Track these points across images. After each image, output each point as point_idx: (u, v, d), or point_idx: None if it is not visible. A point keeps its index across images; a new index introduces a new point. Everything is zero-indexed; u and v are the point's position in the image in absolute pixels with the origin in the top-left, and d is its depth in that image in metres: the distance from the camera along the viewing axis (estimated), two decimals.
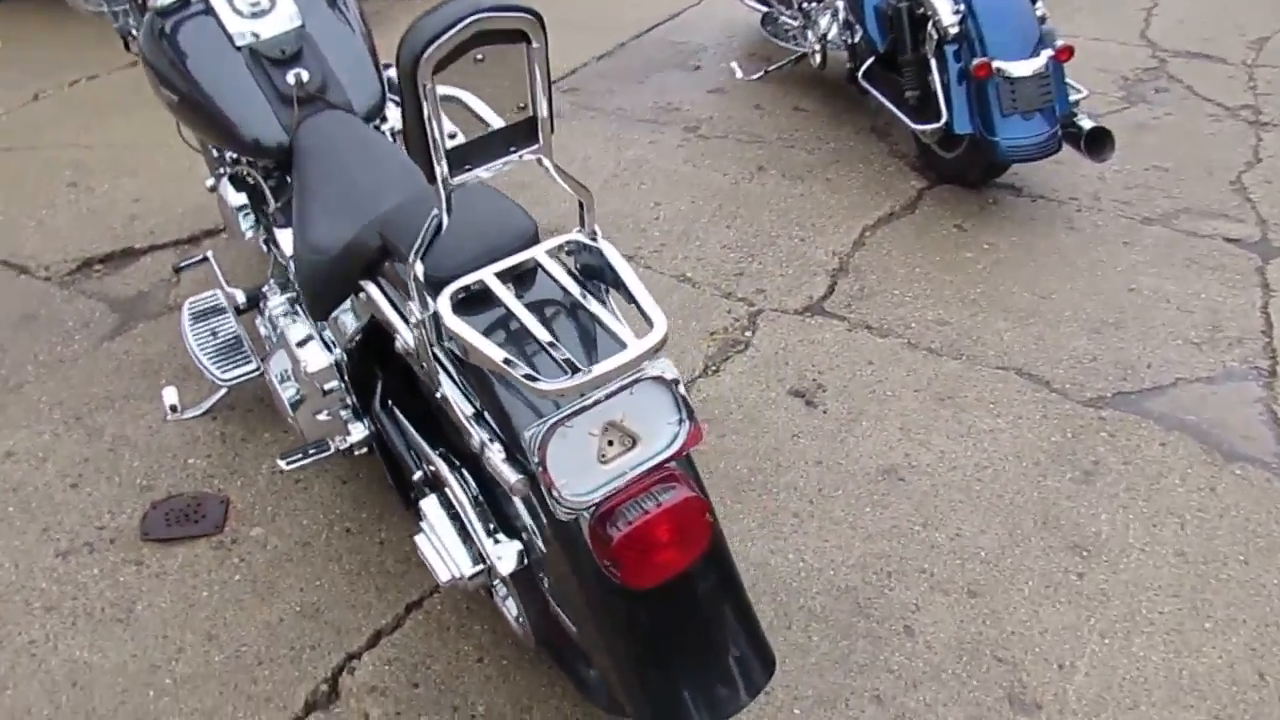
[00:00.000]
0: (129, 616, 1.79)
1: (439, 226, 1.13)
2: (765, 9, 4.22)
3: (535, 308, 1.17)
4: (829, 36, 3.70)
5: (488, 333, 1.14)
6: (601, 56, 4.43)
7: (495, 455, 1.18)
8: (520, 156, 1.12)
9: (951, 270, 2.86)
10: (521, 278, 1.24)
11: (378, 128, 1.93)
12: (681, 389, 1.17)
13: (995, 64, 2.83)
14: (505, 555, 1.34)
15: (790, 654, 1.75)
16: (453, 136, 1.20)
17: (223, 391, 2.14)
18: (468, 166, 1.09)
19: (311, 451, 1.78)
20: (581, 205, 1.22)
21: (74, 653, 1.72)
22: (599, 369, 1.04)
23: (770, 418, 2.30)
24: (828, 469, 2.15)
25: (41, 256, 2.89)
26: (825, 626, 1.81)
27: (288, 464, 1.76)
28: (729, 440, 2.22)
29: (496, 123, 2.00)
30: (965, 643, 1.77)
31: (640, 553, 1.11)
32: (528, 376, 1.05)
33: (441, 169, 1.06)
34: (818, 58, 3.78)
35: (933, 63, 3.06)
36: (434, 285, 1.19)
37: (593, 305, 1.17)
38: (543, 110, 1.08)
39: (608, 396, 1.10)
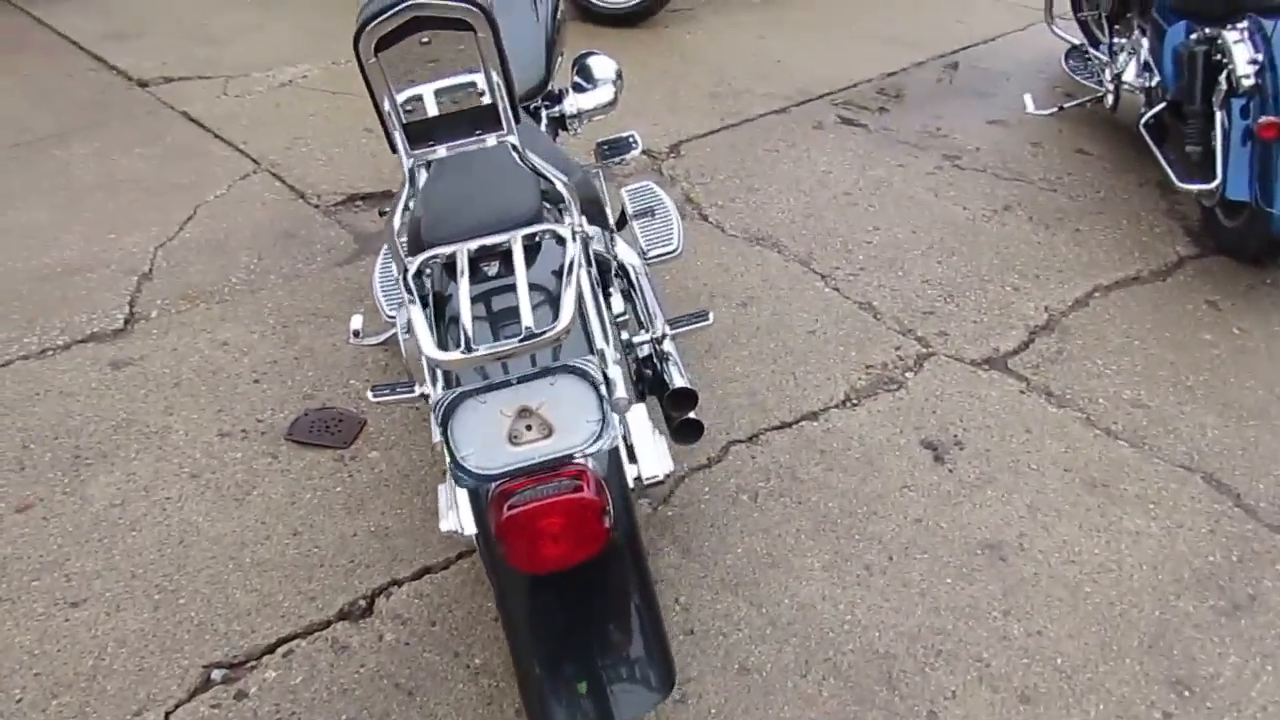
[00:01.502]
0: (245, 498, 2.07)
1: (414, 195, 1.21)
2: (1073, 42, 3.89)
3: (486, 287, 1.21)
4: (1126, 77, 3.35)
5: (440, 301, 1.20)
6: (892, 73, 4.31)
7: None
8: (484, 139, 1.17)
9: (1179, 350, 2.52)
10: (507, 255, 1.28)
11: (534, 109, 2.05)
12: (609, 390, 1.18)
13: None
14: None
15: (790, 702, 1.67)
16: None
17: (393, 330, 2.38)
18: (431, 143, 1.15)
19: (399, 390, 1.94)
20: (563, 198, 1.25)
21: (192, 516, 2.02)
22: (483, 350, 1.08)
23: (888, 463, 2.17)
24: (925, 529, 2.00)
25: (319, 186, 3.34)
26: (842, 686, 1.70)
27: (375, 396, 1.94)
28: (834, 475, 2.13)
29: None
30: None
31: (526, 538, 1.13)
32: (439, 344, 1.11)
33: (399, 141, 1.13)
34: (1110, 98, 3.44)
35: (1219, 116, 2.69)
36: (425, 248, 1.28)
37: (534, 295, 1.18)
38: (501, 98, 1.12)
39: (519, 381, 1.13)
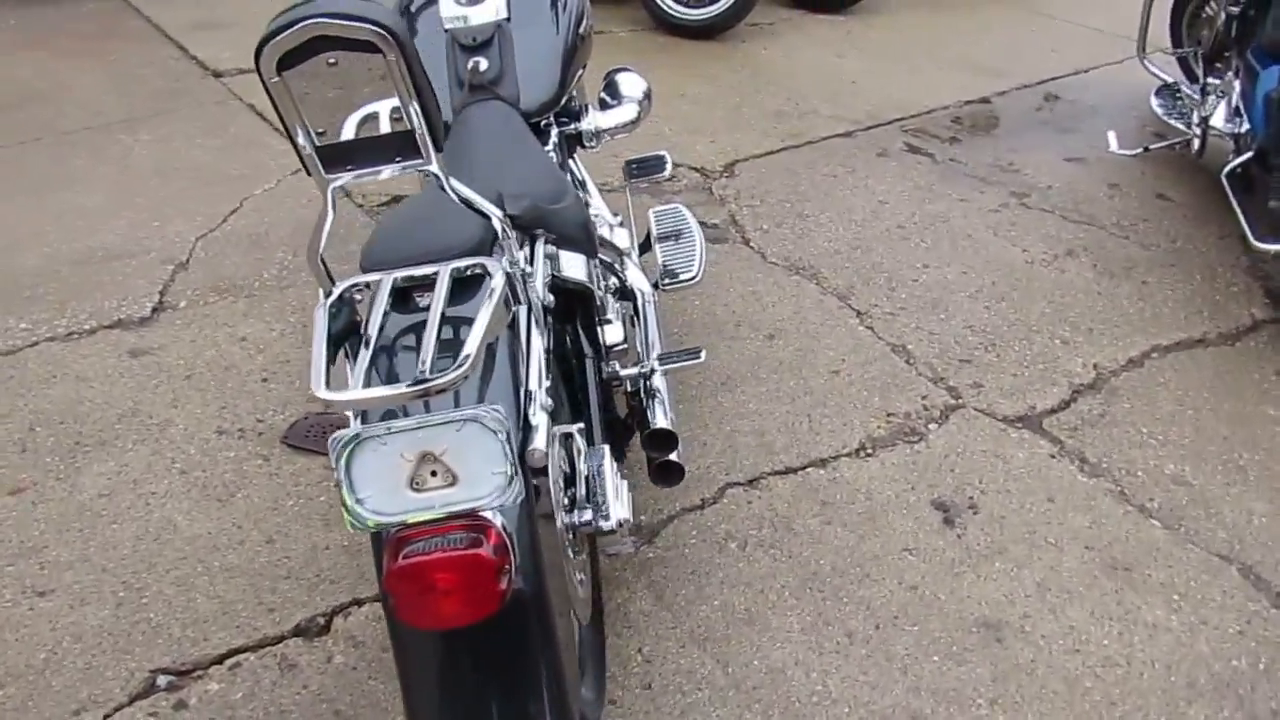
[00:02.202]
0: (229, 499, 2.06)
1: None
2: (1166, 79, 3.65)
3: (400, 323, 1.15)
4: (1214, 121, 3.13)
5: (349, 332, 1.14)
6: (971, 101, 4.13)
7: None
8: (403, 167, 1.10)
9: (1236, 424, 2.32)
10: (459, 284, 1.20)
11: (541, 125, 1.99)
12: (528, 440, 1.10)
13: None
14: None
15: None
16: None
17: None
18: (349, 167, 1.09)
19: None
20: (497, 233, 1.17)
21: (174, 514, 2.02)
22: (366, 393, 1.01)
23: (892, 522, 2.04)
24: (920, 598, 1.87)
25: (365, 187, 3.34)
26: None
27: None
28: (832, 530, 2.01)
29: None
30: None
31: (415, 592, 1.07)
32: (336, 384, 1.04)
33: (312, 165, 1.08)
34: (1196, 143, 3.21)
35: None
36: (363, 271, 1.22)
37: (445, 334, 1.11)
38: (418, 124, 1.06)
39: (419, 427, 1.06)
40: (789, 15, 5.14)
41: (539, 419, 1.17)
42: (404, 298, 1.20)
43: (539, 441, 1.14)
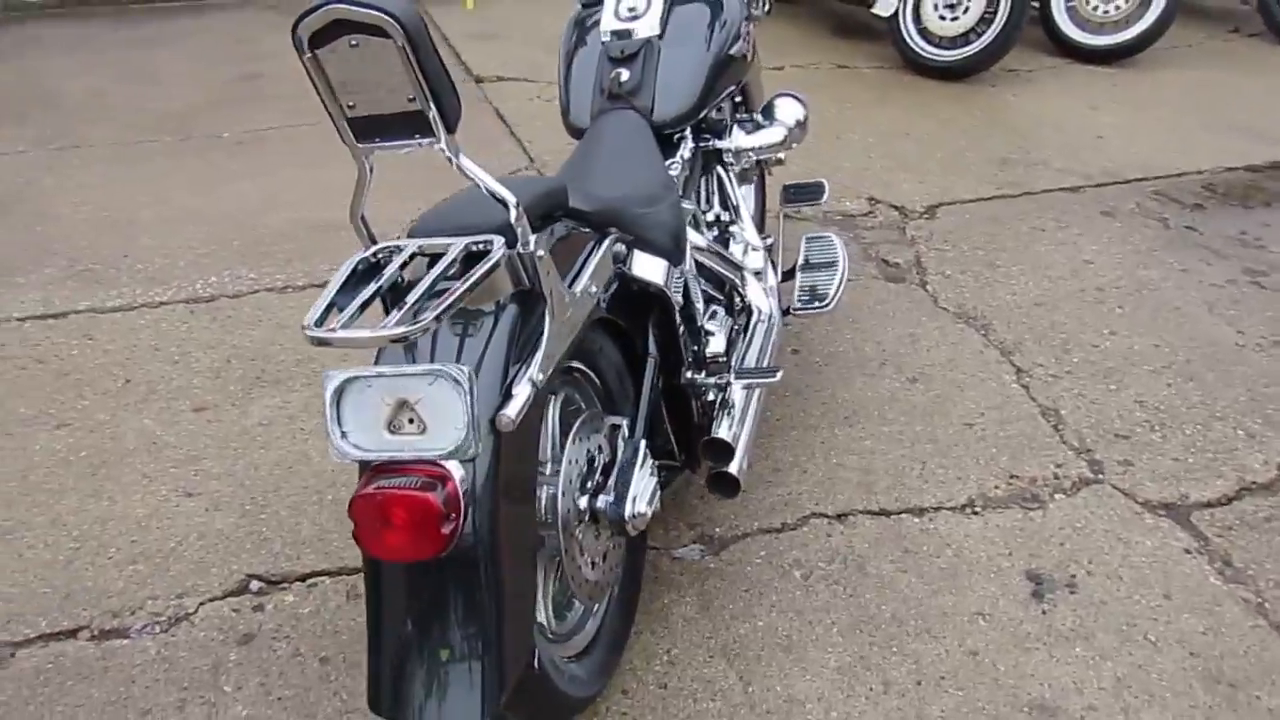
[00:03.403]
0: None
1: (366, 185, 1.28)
2: None
3: (402, 283, 1.25)
4: None
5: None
6: (1231, 168, 3.77)
7: None
8: (419, 144, 1.22)
9: None
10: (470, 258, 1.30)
11: (674, 138, 2.07)
12: (504, 405, 1.19)
13: None
14: None
15: None
16: None
17: None
18: (377, 139, 1.23)
19: None
20: (513, 212, 1.26)
21: (310, 449, 2.27)
22: (335, 333, 1.12)
23: (974, 583, 1.93)
24: (976, 665, 1.76)
25: None
26: None
27: None
28: (906, 579, 1.93)
29: None
30: None
31: (371, 521, 1.18)
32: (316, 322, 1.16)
33: (343, 134, 1.22)
34: None
35: None
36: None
37: (447, 295, 1.20)
38: (428, 105, 1.17)
39: (397, 375, 1.18)
40: (1054, 63, 4.89)
41: (521, 390, 1.25)
42: (428, 265, 1.32)
43: (510, 409, 1.22)
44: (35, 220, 3.34)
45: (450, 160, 1.23)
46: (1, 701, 1.69)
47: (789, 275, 2.48)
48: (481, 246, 1.27)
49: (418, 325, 1.11)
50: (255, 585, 1.91)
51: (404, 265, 1.27)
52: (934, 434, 2.33)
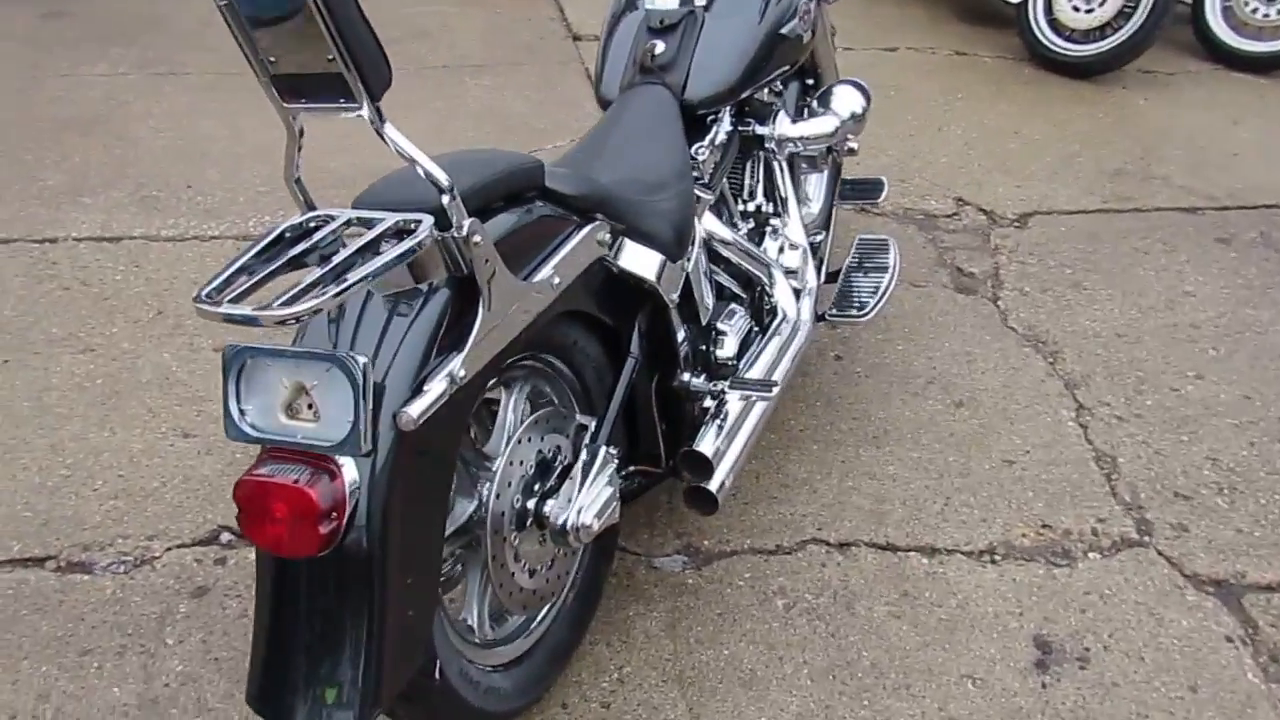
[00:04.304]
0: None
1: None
2: None
3: (323, 254, 1.16)
4: None
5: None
6: None
7: None
8: (338, 108, 1.12)
9: None
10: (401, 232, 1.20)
11: (707, 118, 1.92)
12: (410, 403, 1.10)
13: None
14: None
15: None
16: None
17: None
18: (303, 100, 1.13)
19: None
20: (445, 193, 1.15)
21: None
22: (217, 307, 1.03)
23: (972, 641, 1.75)
24: None
25: None
26: None
27: None
28: (896, 625, 1.76)
29: None
30: None
31: (253, 510, 1.10)
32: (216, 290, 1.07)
33: (269, 92, 1.13)
34: None
35: None
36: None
37: (350, 276, 1.10)
38: (347, 69, 1.06)
39: (295, 357, 1.10)
40: (1198, 68, 4.46)
41: (434, 387, 1.15)
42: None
43: (413, 406, 1.12)
44: (114, 142, 3.41)
45: (376, 128, 1.12)
46: None
47: (834, 277, 2.30)
48: (411, 226, 1.17)
49: (305, 307, 1.01)
50: (225, 537, 1.89)
51: (334, 237, 1.17)
52: (968, 467, 2.13)
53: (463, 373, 1.19)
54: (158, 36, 4.42)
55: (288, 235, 1.19)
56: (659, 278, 1.59)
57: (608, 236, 1.49)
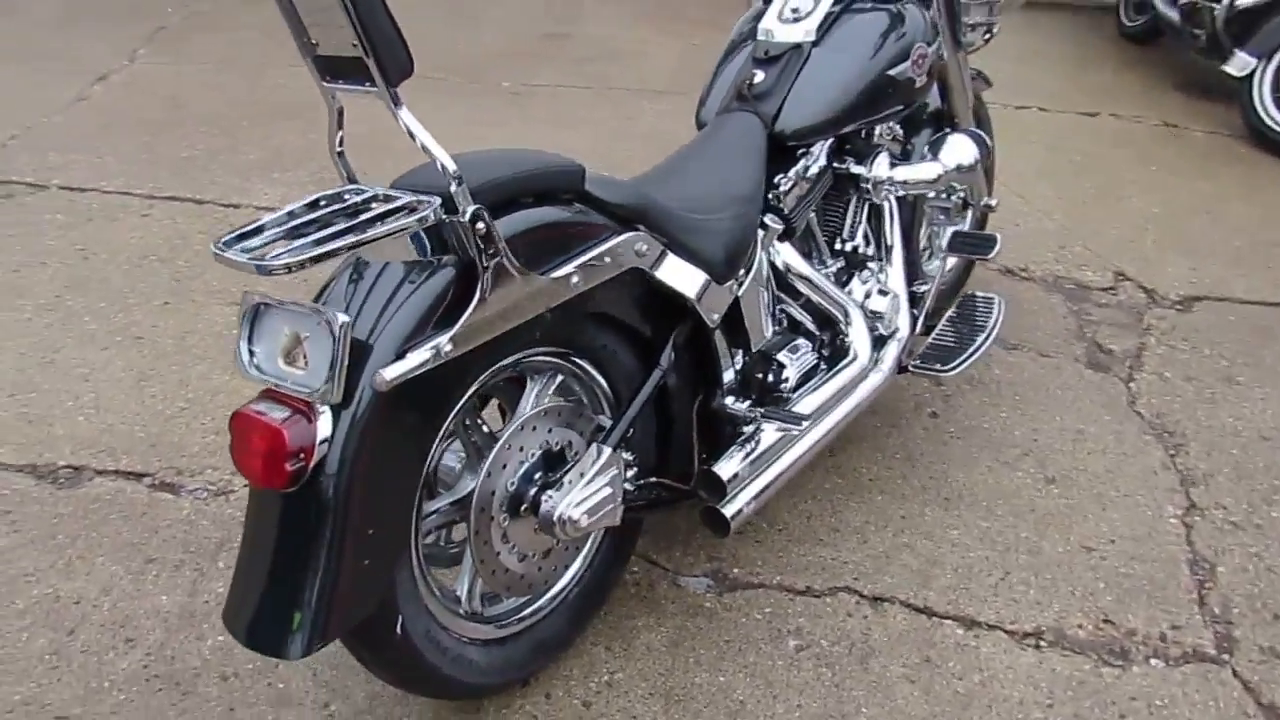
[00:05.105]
0: None
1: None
2: None
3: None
4: None
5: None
6: None
7: None
8: (363, 89, 1.21)
9: None
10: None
11: (800, 150, 1.91)
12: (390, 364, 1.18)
13: None
14: None
15: None
16: None
17: None
18: (340, 81, 1.24)
19: None
20: (452, 180, 1.23)
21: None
22: (232, 255, 1.14)
23: (1009, 692, 1.65)
24: None
25: None
26: None
27: None
28: (907, 690, 1.68)
29: None
30: None
31: (239, 440, 1.21)
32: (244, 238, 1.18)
33: (312, 72, 1.24)
34: None
35: None
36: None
37: (338, 241, 1.18)
38: (367, 53, 1.15)
39: (295, 310, 1.20)
40: None
41: (416, 355, 1.22)
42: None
43: (390, 370, 1.20)
44: (312, 129, 3.75)
45: (391, 109, 1.22)
46: (61, 513, 1.95)
47: (928, 329, 2.23)
48: (420, 205, 1.26)
49: (283, 262, 1.12)
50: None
51: (359, 208, 1.27)
52: (1039, 545, 2.01)
53: (449, 348, 1.25)
54: None
55: (322, 203, 1.30)
56: (699, 296, 1.61)
57: (646, 248, 1.52)
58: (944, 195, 2.34)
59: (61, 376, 2.35)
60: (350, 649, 1.40)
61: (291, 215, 1.26)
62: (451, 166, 1.22)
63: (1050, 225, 3.36)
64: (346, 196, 1.30)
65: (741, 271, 1.72)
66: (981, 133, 2.13)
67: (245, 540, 1.29)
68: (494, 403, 1.67)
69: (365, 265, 1.32)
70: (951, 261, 2.50)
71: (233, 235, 1.19)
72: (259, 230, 1.21)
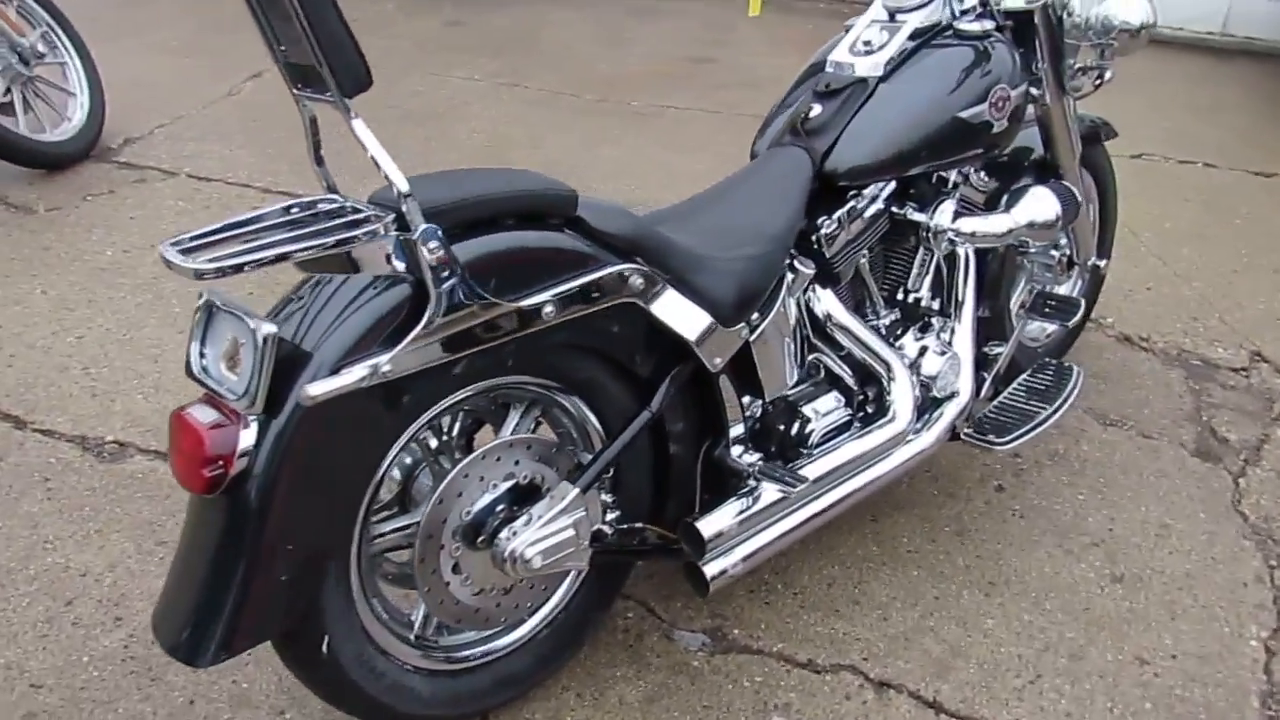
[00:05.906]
0: None
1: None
2: None
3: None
4: None
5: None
6: None
7: None
8: (325, 99, 1.19)
9: None
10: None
11: (847, 191, 1.79)
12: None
13: None
14: None
15: None
16: None
17: None
18: (309, 89, 1.22)
19: None
20: (402, 196, 1.20)
21: None
22: (167, 251, 1.13)
23: None
24: None
25: None
26: None
27: None
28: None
29: None
30: None
31: (171, 439, 1.21)
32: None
33: (285, 79, 1.23)
34: None
35: None
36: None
37: (270, 251, 1.15)
38: (320, 62, 1.13)
39: (237, 316, 1.19)
40: None
41: (351, 372, 1.19)
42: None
43: (316, 387, 1.17)
44: (435, 135, 3.85)
45: (346, 120, 1.19)
46: (94, 486, 2.03)
47: (994, 395, 2.04)
48: (371, 219, 1.23)
49: (209, 266, 1.10)
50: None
51: (325, 218, 1.25)
52: (1084, 650, 1.79)
53: (388, 368, 1.21)
54: (521, 53, 4.92)
55: (294, 210, 1.29)
56: (700, 338, 1.51)
57: (641, 282, 1.44)
58: (1047, 251, 2.16)
59: (134, 355, 2.46)
60: (283, 662, 1.38)
61: (261, 219, 1.25)
62: (402, 183, 1.19)
63: (1187, 293, 3.05)
64: (319, 205, 1.29)
65: (755, 315, 1.60)
66: (1071, 187, 1.93)
67: (179, 543, 1.29)
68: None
69: (329, 277, 1.30)
70: (1039, 324, 2.29)
71: (199, 233, 1.19)
72: (225, 229, 1.20)
